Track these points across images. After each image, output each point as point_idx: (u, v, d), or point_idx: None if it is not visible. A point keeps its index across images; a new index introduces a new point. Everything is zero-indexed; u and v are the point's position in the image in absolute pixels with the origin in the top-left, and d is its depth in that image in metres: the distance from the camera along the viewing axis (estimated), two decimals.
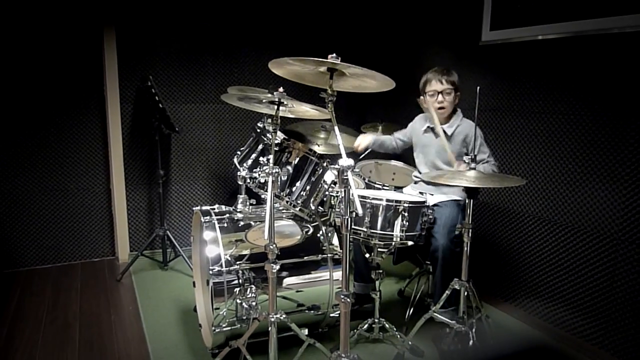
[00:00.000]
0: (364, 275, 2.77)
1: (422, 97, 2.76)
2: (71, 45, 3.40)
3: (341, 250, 2.47)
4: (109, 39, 3.41)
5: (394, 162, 3.43)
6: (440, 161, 2.74)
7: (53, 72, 3.38)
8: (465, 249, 2.25)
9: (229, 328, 2.28)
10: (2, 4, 3.18)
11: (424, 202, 2.40)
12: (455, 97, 2.69)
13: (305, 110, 2.31)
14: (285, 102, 2.15)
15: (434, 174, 2.43)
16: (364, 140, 2.95)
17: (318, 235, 2.54)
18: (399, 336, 2.51)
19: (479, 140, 2.60)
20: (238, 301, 2.25)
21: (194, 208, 2.57)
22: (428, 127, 2.79)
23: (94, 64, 3.48)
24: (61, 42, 3.37)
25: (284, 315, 2.10)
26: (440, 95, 2.67)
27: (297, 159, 2.35)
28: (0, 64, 3.24)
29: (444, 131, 2.67)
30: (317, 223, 2.55)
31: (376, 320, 2.53)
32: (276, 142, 2.28)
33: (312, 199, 2.35)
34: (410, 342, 2.45)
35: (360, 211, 1.67)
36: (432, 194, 2.72)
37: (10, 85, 3.28)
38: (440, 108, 2.68)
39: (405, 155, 3.14)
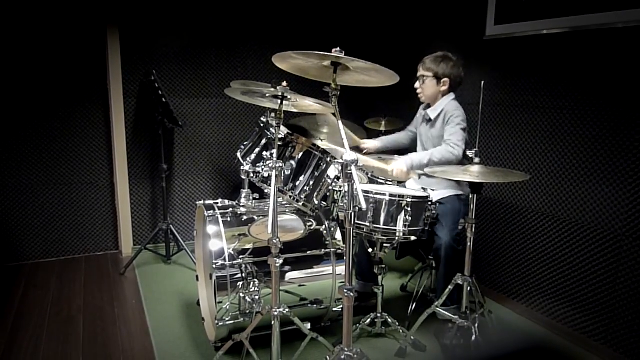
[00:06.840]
0: (366, 275, 2.76)
1: None
2: (75, 40, 3.40)
3: (344, 245, 2.47)
4: (113, 33, 3.41)
5: (397, 157, 3.41)
6: None
7: (57, 67, 3.38)
8: (469, 244, 2.25)
9: (232, 322, 2.29)
10: (12, 2, 3.19)
11: (427, 197, 2.40)
12: (436, 84, 2.63)
13: (309, 104, 2.31)
14: (288, 97, 2.15)
15: (436, 168, 2.41)
16: (372, 144, 2.93)
17: (321, 229, 2.54)
18: (401, 331, 2.52)
19: (455, 121, 2.53)
20: (241, 295, 2.26)
21: (197, 202, 2.59)
22: (423, 116, 2.79)
23: (97, 59, 3.48)
24: (65, 37, 3.37)
25: (286, 309, 2.11)
26: (417, 81, 2.68)
27: (301, 154, 2.35)
28: (7, 59, 3.25)
29: (429, 116, 2.67)
30: (320, 218, 2.55)
31: (379, 315, 2.54)
32: (280, 136, 2.28)
33: (315, 194, 2.35)
34: (412, 337, 2.46)
35: (364, 206, 1.67)
36: (434, 189, 2.71)
37: (15, 80, 3.29)
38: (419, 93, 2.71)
39: (409, 150, 3.13)
